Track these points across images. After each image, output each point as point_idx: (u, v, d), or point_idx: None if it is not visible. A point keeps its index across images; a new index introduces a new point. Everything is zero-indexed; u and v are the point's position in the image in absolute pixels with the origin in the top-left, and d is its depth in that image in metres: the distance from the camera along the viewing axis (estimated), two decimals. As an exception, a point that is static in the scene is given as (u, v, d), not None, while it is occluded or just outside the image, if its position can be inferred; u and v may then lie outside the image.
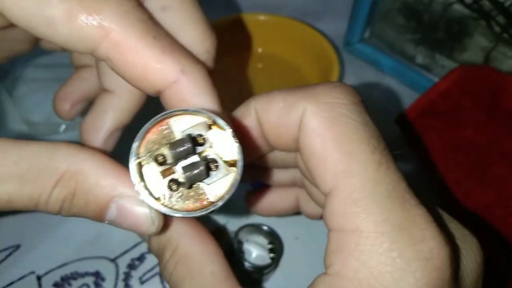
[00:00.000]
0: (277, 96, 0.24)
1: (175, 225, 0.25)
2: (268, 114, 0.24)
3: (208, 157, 0.21)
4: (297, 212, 0.35)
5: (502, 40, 0.48)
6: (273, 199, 0.33)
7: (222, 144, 0.21)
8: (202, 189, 0.20)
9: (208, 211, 0.20)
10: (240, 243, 0.40)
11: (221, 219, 0.43)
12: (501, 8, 0.46)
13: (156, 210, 0.20)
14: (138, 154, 0.20)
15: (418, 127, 0.46)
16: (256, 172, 0.32)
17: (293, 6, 0.64)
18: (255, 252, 0.41)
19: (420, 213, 0.20)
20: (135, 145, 0.20)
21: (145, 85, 0.23)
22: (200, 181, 0.20)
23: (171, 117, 0.21)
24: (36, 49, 0.35)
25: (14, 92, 0.50)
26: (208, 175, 0.20)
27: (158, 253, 0.26)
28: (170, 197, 0.20)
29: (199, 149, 0.21)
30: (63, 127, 0.49)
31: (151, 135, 0.20)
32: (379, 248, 0.19)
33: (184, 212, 0.20)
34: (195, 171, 0.20)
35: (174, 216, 0.20)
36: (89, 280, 0.39)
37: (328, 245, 0.21)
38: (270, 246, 0.40)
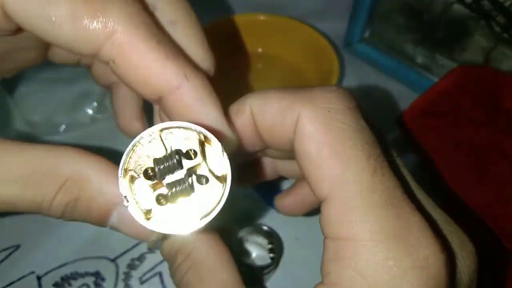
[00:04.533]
0: (273, 97, 0.24)
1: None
2: (263, 114, 0.24)
3: (198, 173, 0.20)
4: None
5: (502, 40, 0.48)
6: (304, 194, 0.32)
7: (214, 159, 0.20)
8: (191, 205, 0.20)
9: (194, 229, 0.19)
10: (240, 243, 0.40)
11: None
12: (501, 8, 0.46)
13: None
14: (128, 167, 0.20)
15: (418, 127, 0.46)
16: (257, 173, 0.32)
17: (293, 6, 0.64)
18: (255, 252, 0.41)
19: (415, 220, 0.20)
20: (124, 158, 0.20)
21: (147, 89, 0.23)
22: (187, 196, 0.20)
23: (162, 130, 0.20)
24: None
25: (14, 92, 0.50)
26: (193, 191, 0.20)
27: (170, 256, 0.26)
28: (159, 211, 0.20)
29: (191, 163, 0.20)
30: (63, 127, 0.49)
31: (141, 148, 0.20)
32: (375, 257, 0.19)
33: (171, 229, 0.19)
34: (179, 188, 0.19)
35: (161, 232, 0.20)
36: (89, 280, 0.39)
37: (325, 253, 0.21)
38: (270, 246, 0.40)
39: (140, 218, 0.19)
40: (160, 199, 0.20)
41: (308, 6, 0.65)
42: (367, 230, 0.20)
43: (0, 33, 0.24)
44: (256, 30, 0.56)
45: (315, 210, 0.33)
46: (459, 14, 0.50)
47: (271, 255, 0.40)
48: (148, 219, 0.20)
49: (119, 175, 0.20)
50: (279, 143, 0.25)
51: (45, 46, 0.32)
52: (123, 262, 0.40)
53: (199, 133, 0.20)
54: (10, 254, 0.40)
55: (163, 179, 0.20)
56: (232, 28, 0.55)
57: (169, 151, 0.20)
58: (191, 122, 0.20)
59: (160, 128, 0.20)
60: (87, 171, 0.21)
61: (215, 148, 0.20)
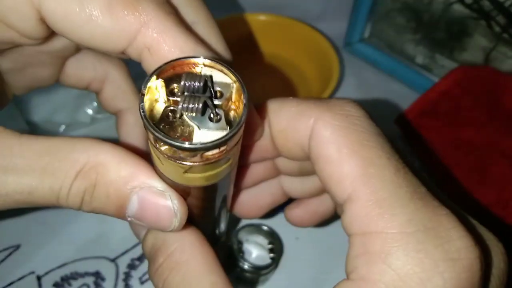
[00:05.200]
0: (291, 101, 0.25)
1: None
2: (279, 116, 0.25)
3: (216, 108, 0.20)
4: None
5: (502, 40, 0.48)
6: (316, 204, 0.32)
7: (236, 108, 0.21)
8: (191, 130, 0.20)
9: (179, 145, 0.19)
10: (240, 243, 0.40)
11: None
12: (501, 8, 0.46)
13: (144, 120, 0.19)
14: (159, 74, 0.20)
15: (418, 127, 0.46)
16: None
17: (293, 6, 0.64)
18: (255, 252, 0.41)
19: (444, 213, 0.20)
20: (162, 66, 0.20)
21: None
22: (194, 120, 0.20)
23: (205, 65, 0.21)
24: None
25: (14, 92, 0.50)
26: (203, 115, 0.20)
27: (151, 254, 0.25)
28: (160, 120, 0.20)
29: (215, 99, 0.21)
30: (63, 127, 0.49)
31: (180, 68, 0.21)
32: (405, 249, 0.19)
33: (161, 134, 0.19)
34: (191, 104, 0.19)
35: (151, 130, 0.19)
36: (89, 280, 0.39)
37: (350, 250, 0.21)
38: (270, 246, 0.40)
39: (141, 110, 0.19)
40: (168, 113, 0.20)
41: (309, 6, 0.65)
42: (396, 223, 0.19)
43: (29, 42, 0.25)
44: (256, 30, 0.56)
45: (324, 222, 0.33)
46: (459, 14, 0.50)
47: (271, 255, 0.40)
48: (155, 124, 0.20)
49: (150, 75, 0.20)
50: (290, 149, 0.25)
51: (59, 63, 0.32)
52: (123, 262, 0.40)
53: (235, 79, 0.21)
54: (10, 254, 0.40)
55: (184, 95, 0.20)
56: (232, 28, 0.55)
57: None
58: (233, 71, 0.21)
59: (206, 59, 0.21)
60: (103, 156, 0.21)
61: (240, 98, 0.20)
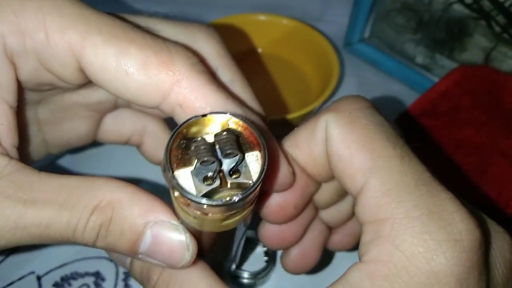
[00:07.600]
0: (299, 129, 0.26)
1: None
2: (299, 147, 0.26)
3: (217, 176, 0.20)
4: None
5: (502, 40, 0.48)
6: (351, 226, 0.32)
7: (250, 166, 0.21)
8: (184, 165, 0.20)
9: (184, 193, 0.19)
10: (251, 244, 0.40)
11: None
12: (501, 8, 0.46)
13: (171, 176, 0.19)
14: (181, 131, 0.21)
15: (418, 127, 0.46)
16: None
17: (293, 6, 0.64)
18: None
19: (448, 197, 0.21)
20: (189, 120, 0.21)
21: None
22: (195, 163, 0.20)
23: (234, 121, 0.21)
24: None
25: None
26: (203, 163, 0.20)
27: (143, 276, 0.26)
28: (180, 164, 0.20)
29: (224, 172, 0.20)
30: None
31: (189, 128, 0.21)
32: (411, 232, 0.20)
33: (181, 188, 0.19)
34: (205, 151, 0.20)
35: (170, 177, 0.20)
36: (89, 280, 0.39)
37: (363, 237, 0.22)
38: (265, 249, 0.40)
39: (165, 155, 0.20)
40: (186, 141, 0.21)
41: (308, 6, 0.65)
42: (403, 209, 0.21)
43: (67, 86, 0.26)
44: (256, 30, 0.56)
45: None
46: (459, 14, 0.50)
47: (265, 258, 0.39)
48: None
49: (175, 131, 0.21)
50: (323, 166, 0.26)
51: (96, 118, 0.33)
52: (123, 262, 0.40)
53: (257, 135, 0.21)
54: (10, 254, 0.40)
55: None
56: (232, 28, 0.55)
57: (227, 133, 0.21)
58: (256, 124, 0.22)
59: (234, 117, 0.21)
60: (119, 193, 0.23)
61: (257, 157, 0.21)
